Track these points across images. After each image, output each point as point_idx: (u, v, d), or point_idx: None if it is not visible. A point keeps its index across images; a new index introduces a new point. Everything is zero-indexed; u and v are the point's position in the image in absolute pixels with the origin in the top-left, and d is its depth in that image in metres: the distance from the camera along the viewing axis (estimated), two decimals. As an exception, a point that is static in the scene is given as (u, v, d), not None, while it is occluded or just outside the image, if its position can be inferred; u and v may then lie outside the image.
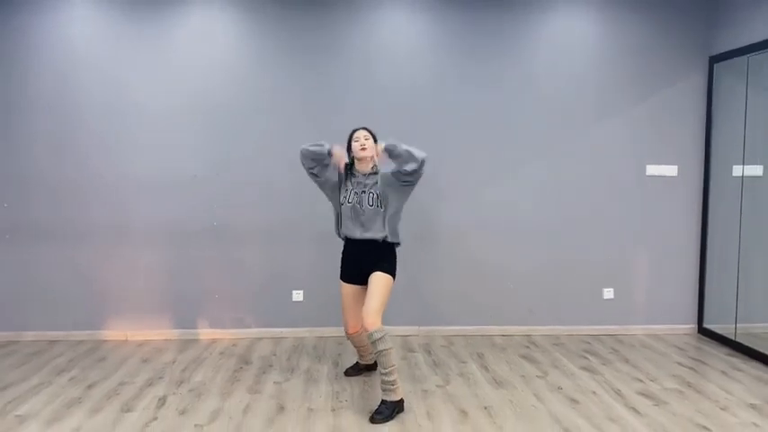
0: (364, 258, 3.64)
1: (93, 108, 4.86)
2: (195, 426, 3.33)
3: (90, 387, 3.91)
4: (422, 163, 3.47)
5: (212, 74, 4.90)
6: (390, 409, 3.41)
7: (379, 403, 3.49)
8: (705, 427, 3.35)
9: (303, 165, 3.68)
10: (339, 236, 3.81)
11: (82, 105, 4.85)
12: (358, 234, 3.65)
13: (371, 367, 4.16)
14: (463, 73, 5.01)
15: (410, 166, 3.46)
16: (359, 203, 3.62)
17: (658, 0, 5.05)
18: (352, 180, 3.69)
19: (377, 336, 3.38)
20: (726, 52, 4.87)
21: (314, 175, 3.69)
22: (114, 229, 4.92)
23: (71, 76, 4.83)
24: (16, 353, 4.61)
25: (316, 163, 3.63)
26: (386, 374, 3.42)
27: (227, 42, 4.90)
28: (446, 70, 5.00)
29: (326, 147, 3.59)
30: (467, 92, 5.02)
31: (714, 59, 5.02)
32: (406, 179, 3.53)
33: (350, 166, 3.72)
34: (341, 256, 3.82)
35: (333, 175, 3.70)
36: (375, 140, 3.67)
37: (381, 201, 3.60)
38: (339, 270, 3.85)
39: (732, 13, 4.83)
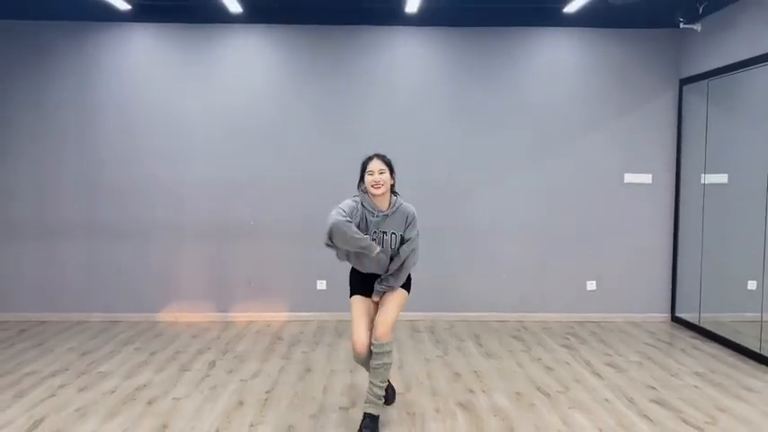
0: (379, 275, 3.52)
1: (153, 125, 5.78)
2: (240, 380, 4.19)
3: (152, 354, 4.80)
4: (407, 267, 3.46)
5: (250, 95, 5.80)
6: (376, 423, 3.35)
7: (363, 417, 3.36)
8: (653, 388, 4.11)
9: (328, 236, 3.27)
10: (340, 258, 3.54)
11: (143, 122, 5.78)
12: (373, 271, 3.48)
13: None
14: (471, 92, 5.83)
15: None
16: (383, 243, 3.38)
17: (635, 31, 5.82)
18: (368, 219, 3.38)
19: (387, 348, 3.30)
20: (692, 76, 5.63)
21: (330, 248, 3.38)
22: (168, 227, 5.82)
23: (132, 96, 5.77)
24: (88, 329, 5.53)
25: (347, 247, 3.33)
26: (380, 388, 3.34)
27: (264, 68, 5.80)
28: (451, 88, 5.83)
29: (369, 244, 3.30)
30: (473, 107, 5.84)
31: (683, 81, 5.78)
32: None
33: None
34: (350, 278, 3.62)
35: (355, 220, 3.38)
36: (392, 171, 3.41)
37: (399, 242, 3.42)
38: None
39: (696, 42, 5.58)
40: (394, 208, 3.41)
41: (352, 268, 3.60)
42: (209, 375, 4.30)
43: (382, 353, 3.30)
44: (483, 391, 4.01)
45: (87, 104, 5.77)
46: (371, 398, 3.35)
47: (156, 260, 5.85)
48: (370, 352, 3.34)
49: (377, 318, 3.40)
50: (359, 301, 3.49)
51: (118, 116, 5.78)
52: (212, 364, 4.54)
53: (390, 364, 3.35)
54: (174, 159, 5.81)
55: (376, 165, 3.36)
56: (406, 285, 3.55)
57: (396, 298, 3.46)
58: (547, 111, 5.87)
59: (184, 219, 5.84)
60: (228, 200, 5.84)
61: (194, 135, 5.81)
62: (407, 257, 3.43)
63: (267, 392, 3.97)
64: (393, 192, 3.48)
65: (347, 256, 3.47)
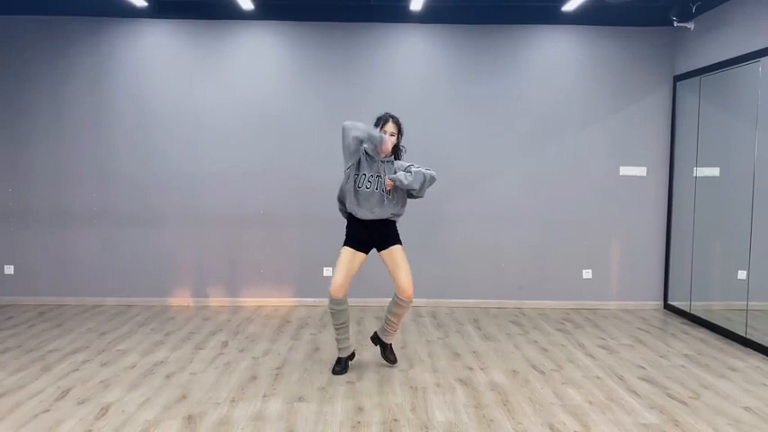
0: (373, 235, 4.07)
1: (167, 116, 6.03)
2: (252, 358, 4.44)
3: (167, 335, 5.04)
4: (422, 187, 3.98)
5: (261, 88, 6.04)
6: (393, 351, 4.30)
7: (385, 346, 4.26)
8: (642, 367, 4.35)
9: (354, 138, 3.91)
10: (343, 212, 4.21)
11: (158, 114, 6.02)
12: (368, 216, 4.00)
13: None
14: (472, 87, 6.07)
15: (414, 191, 4.01)
16: (375, 186, 3.98)
17: (630, 29, 6.04)
18: (369, 163, 4.00)
19: (413, 302, 4.12)
20: (685, 72, 5.85)
21: (360, 142, 3.95)
22: (181, 215, 6.07)
23: (148, 89, 6.01)
24: (104, 312, 5.78)
25: (360, 136, 3.93)
26: (397, 326, 4.18)
27: (274, 63, 6.04)
28: (453, 82, 6.07)
29: (379, 134, 3.93)
30: (472, 102, 6.08)
31: (677, 78, 6.00)
32: (410, 193, 4.08)
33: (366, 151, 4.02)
34: (347, 229, 4.13)
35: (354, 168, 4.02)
36: (401, 133, 4.08)
37: (396, 190, 4.04)
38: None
39: (689, 40, 5.80)
40: (391, 158, 4.05)
41: (350, 222, 4.11)
42: (222, 353, 4.54)
43: (408, 306, 4.10)
44: (481, 369, 4.25)
45: (103, 97, 6.01)
46: (391, 330, 4.19)
47: (170, 247, 6.10)
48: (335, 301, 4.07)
49: (403, 281, 4.04)
50: (349, 253, 4.06)
51: (133, 109, 6.03)
52: (225, 344, 4.79)
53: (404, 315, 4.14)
54: (187, 150, 6.05)
55: (390, 127, 4.01)
56: (399, 239, 4.14)
57: (399, 255, 4.07)
58: (546, 105, 6.10)
59: (197, 207, 6.08)
60: (239, 189, 6.08)
61: (207, 127, 6.05)
62: (422, 169, 4.00)
63: (278, 369, 4.22)
64: (396, 154, 4.14)
65: (355, 197, 3.99)
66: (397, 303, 4.09)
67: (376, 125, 4.06)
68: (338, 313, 4.08)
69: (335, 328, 4.13)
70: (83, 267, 6.10)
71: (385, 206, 4.02)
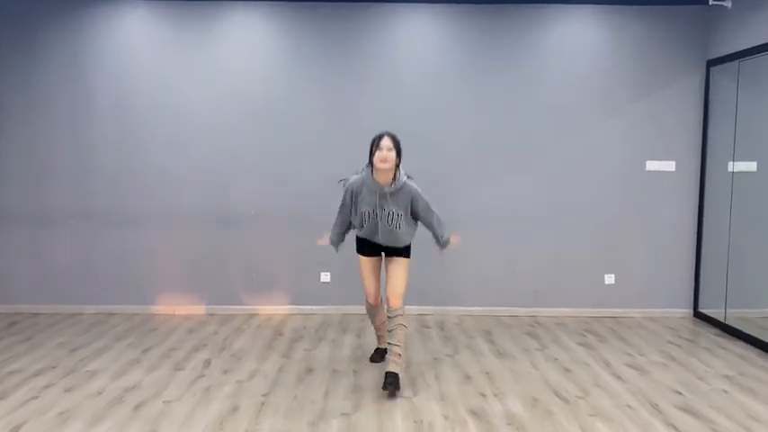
0: (383, 246, 3.92)
1: (150, 108, 5.49)
2: (237, 381, 3.93)
3: (145, 351, 4.55)
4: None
5: (251, 78, 5.49)
6: (398, 380, 3.71)
7: (386, 375, 3.72)
8: (679, 392, 3.82)
9: (339, 238, 4.08)
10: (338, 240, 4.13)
11: (136, 105, 5.49)
12: (378, 240, 3.85)
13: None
14: (484, 73, 5.50)
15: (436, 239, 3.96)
16: (381, 218, 3.73)
17: (659, 8, 5.45)
18: (372, 191, 3.71)
19: (400, 312, 3.77)
20: (720, 57, 5.26)
21: (351, 224, 3.99)
22: (165, 215, 5.55)
23: (127, 78, 5.48)
24: (81, 322, 5.29)
25: (343, 231, 4.04)
26: (398, 347, 3.74)
27: (265, 49, 5.48)
28: (461, 68, 5.50)
29: (330, 240, 4.09)
30: (482, 91, 5.51)
31: (711, 63, 5.41)
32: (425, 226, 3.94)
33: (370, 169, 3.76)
34: (357, 237, 4.01)
35: (348, 204, 3.88)
36: (399, 153, 3.68)
37: (404, 221, 3.76)
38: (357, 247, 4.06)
39: (726, 20, 5.21)
40: (399, 185, 3.68)
41: (359, 236, 3.99)
42: (203, 375, 4.04)
43: (397, 316, 3.76)
44: (495, 396, 3.73)
45: (80, 86, 5.48)
46: (392, 357, 3.75)
47: (153, 250, 5.59)
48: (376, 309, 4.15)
49: (388, 290, 3.84)
50: (366, 262, 4.00)
51: (112, 99, 5.49)
52: (207, 363, 4.28)
53: (405, 326, 3.79)
54: (171, 144, 5.52)
55: (386, 142, 3.63)
56: (407, 252, 3.92)
57: (401, 268, 3.87)
58: (563, 93, 5.53)
59: (182, 206, 5.56)
60: (228, 188, 5.55)
61: (193, 119, 5.51)
62: (432, 219, 3.87)
63: (264, 395, 3.71)
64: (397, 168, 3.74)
65: (360, 223, 3.83)
66: (387, 317, 3.85)
67: (372, 146, 3.69)
68: (374, 315, 4.22)
69: (374, 326, 4.32)
70: (59, 272, 5.61)
71: (396, 234, 3.82)
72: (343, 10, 5.43)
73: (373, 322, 4.28)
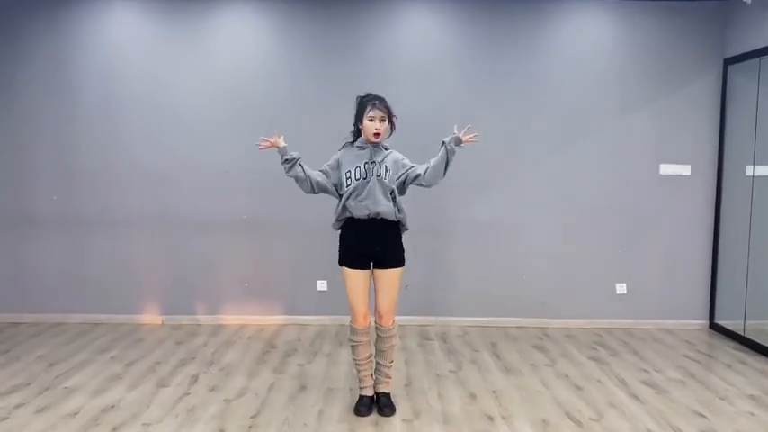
0: (373, 242, 3.37)
1: (135, 106, 5.22)
2: (224, 400, 3.65)
3: (129, 365, 4.27)
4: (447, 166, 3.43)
5: (244, 74, 5.22)
6: (390, 399, 3.50)
7: (377, 398, 3.52)
8: (701, 415, 3.53)
9: (313, 192, 3.51)
10: (336, 225, 3.50)
11: (124, 103, 5.22)
12: (366, 211, 3.32)
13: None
14: (488, 72, 5.23)
15: (425, 183, 3.41)
16: (370, 174, 3.33)
17: (675, 3, 5.18)
18: (358, 152, 3.40)
19: (393, 331, 3.45)
20: (739, 54, 4.98)
21: (327, 191, 3.48)
22: (152, 220, 5.28)
23: (115, 75, 5.21)
24: (64, 333, 5.01)
25: (311, 187, 3.47)
26: (388, 368, 3.49)
27: (259, 45, 5.21)
28: (465, 66, 5.22)
29: (288, 159, 3.53)
30: (489, 88, 5.24)
31: (728, 61, 5.14)
32: (410, 183, 3.45)
33: (354, 139, 3.47)
34: (341, 240, 3.48)
35: (335, 174, 3.46)
36: (390, 119, 3.37)
37: (391, 175, 3.38)
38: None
39: (746, 16, 4.93)
40: (384, 146, 3.44)
41: (343, 232, 3.47)
42: (188, 393, 3.76)
43: (389, 336, 3.45)
44: (503, 418, 3.45)
45: (64, 85, 5.21)
46: (382, 378, 3.50)
47: (141, 256, 5.31)
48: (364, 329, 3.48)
49: (379, 305, 3.43)
50: (354, 276, 3.41)
51: (98, 98, 5.21)
52: (194, 379, 4.00)
53: (396, 345, 3.50)
54: (159, 145, 5.25)
55: (378, 113, 3.30)
56: (403, 258, 3.45)
57: (392, 279, 3.42)
58: (573, 93, 5.25)
59: (172, 211, 5.28)
60: (218, 191, 5.28)
61: (183, 118, 5.24)
62: (418, 166, 3.43)
63: (252, 417, 3.42)
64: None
65: (349, 197, 3.34)
66: (377, 335, 3.51)
67: (360, 110, 3.38)
68: (359, 346, 3.47)
69: (357, 364, 3.52)
70: (42, 280, 5.33)
71: (386, 197, 3.35)
72: (342, 5, 5.15)
73: (357, 356, 3.48)
